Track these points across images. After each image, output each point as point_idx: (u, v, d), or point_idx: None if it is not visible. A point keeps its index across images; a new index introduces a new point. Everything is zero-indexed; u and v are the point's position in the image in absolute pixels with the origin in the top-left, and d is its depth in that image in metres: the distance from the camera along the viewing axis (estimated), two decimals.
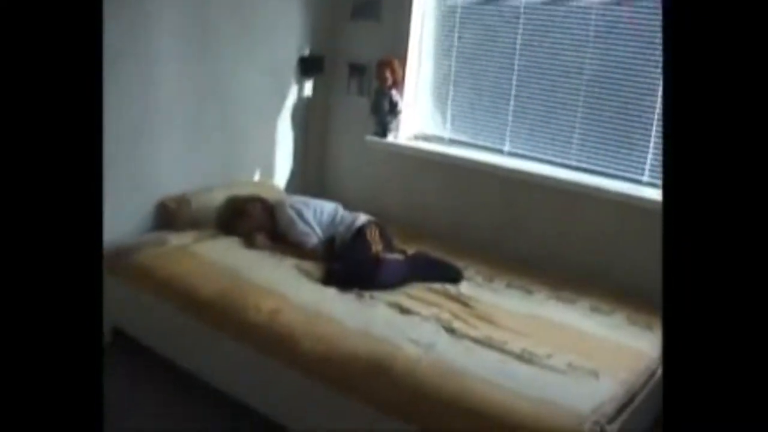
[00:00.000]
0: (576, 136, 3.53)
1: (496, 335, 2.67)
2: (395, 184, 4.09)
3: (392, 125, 4.01)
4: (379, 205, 3.93)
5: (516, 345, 2.59)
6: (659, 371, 2.65)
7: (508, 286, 3.23)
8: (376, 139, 4.05)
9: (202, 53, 3.61)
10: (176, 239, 3.36)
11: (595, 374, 2.44)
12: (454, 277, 3.22)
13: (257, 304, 2.79)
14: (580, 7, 3.41)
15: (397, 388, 2.34)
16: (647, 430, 2.67)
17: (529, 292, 3.17)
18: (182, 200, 3.59)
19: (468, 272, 3.30)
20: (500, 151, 3.80)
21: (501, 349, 2.56)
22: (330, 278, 3.08)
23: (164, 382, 3.08)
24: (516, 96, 3.71)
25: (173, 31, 3.43)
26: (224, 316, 2.79)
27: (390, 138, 4.03)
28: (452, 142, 3.98)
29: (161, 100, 3.47)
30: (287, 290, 2.92)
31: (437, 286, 3.12)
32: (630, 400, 2.43)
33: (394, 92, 3.92)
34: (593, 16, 3.38)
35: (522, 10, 3.60)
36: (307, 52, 4.12)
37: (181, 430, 2.78)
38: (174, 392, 3.01)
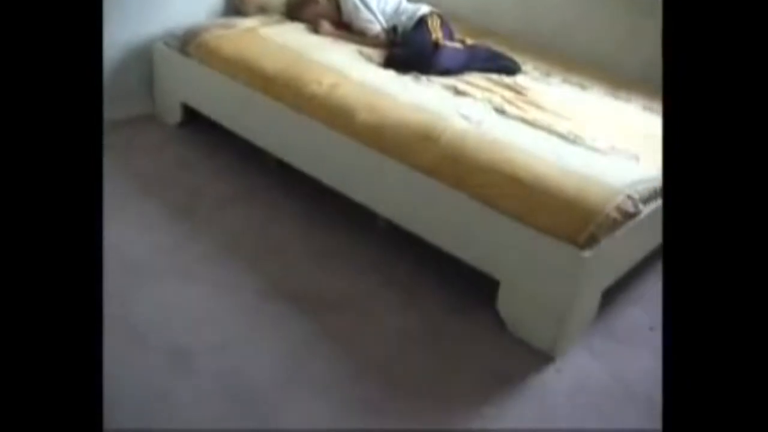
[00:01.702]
0: None
1: (545, 118, 2.77)
2: None
3: None
4: (444, 1, 3.94)
5: (563, 127, 2.69)
6: None
7: (564, 81, 3.29)
8: None
9: None
10: (244, 23, 3.50)
11: (636, 158, 2.54)
12: (512, 68, 3.29)
13: (318, 78, 2.94)
14: None
15: (445, 155, 2.50)
16: None
17: (584, 87, 3.23)
18: None
19: (526, 67, 3.36)
20: None
21: (548, 129, 2.67)
22: (390, 61, 3.18)
23: (231, 153, 3.36)
24: None
25: None
26: (287, 89, 2.96)
27: None
28: None
29: None
30: (348, 69, 3.05)
31: (494, 75, 3.21)
32: None
33: None
34: None
35: None
36: None
37: (248, 195, 3.07)
38: (242, 161, 3.29)
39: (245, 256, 2.68)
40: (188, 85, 3.43)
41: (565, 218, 2.21)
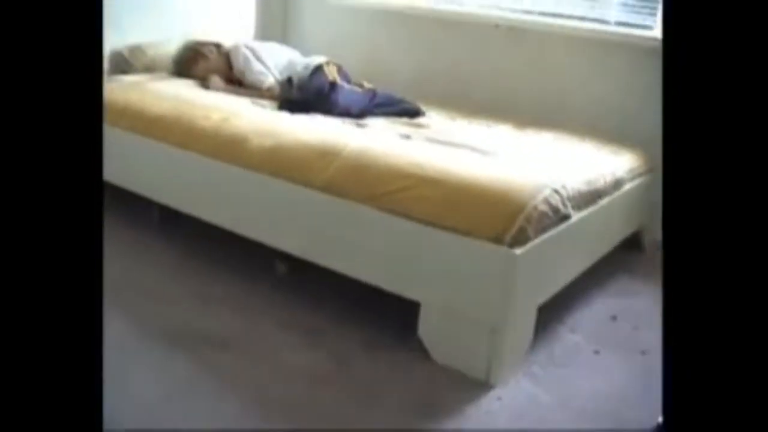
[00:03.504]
0: None
1: (453, 140, 2.56)
2: (356, 40, 3.95)
3: None
4: (340, 59, 3.79)
5: (474, 144, 2.49)
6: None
7: (470, 122, 3.11)
8: None
9: None
10: (130, 78, 3.22)
11: (558, 168, 2.34)
12: (415, 111, 3.11)
13: (207, 114, 2.67)
14: None
15: (347, 167, 2.22)
16: None
17: (490, 126, 3.06)
18: (136, 48, 3.44)
19: (429, 112, 3.18)
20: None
21: (458, 145, 2.46)
22: (285, 104, 2.95)
23: (114, 211, 2.95)
24: None
25: None
26: (173, 127, 2.67)
27: None
28: None
29: None
30: (238, 108, 2.79)
31: (397, 118, 3.01)
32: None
33: None
34: None
35: None
36: None
37: (128, 249, 2.67)
38: (124, 217, 2.90)
39: (118, 301, 2.24)
40: None
41: (489, 214, 1.94)
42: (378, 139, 2.44)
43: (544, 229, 2.00)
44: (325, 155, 2.28)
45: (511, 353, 2.01)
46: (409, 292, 2.10)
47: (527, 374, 2.06)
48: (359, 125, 2.73)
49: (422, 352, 2.08)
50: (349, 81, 3.19)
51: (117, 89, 3.01)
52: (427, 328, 2.07)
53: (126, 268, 2.49)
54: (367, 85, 3.18)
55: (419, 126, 2.86)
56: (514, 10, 3.50)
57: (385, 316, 2.27)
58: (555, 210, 2.02)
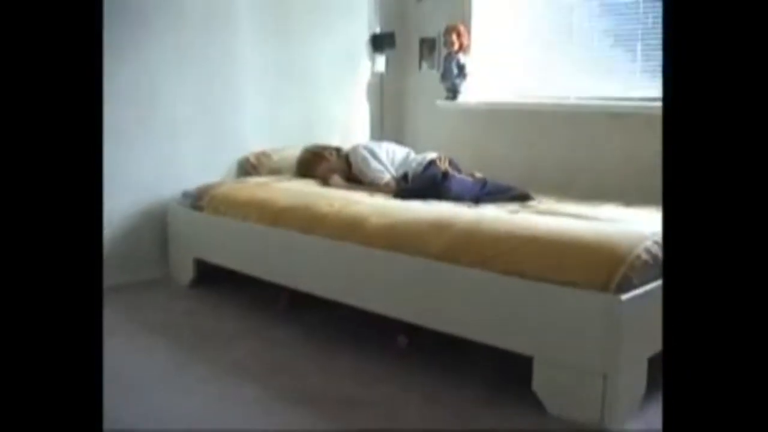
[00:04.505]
0: (638, 67, 3.61)
1: (559, 211, 2.72)
2: (466, 140, 4.22)
3: (461, 87, 4.18)
4: (452, 153, 4.05)
5: (576, 214, 2.64)
6: None
7: (577, 203, 3.24)
8: (447, 102, 4.22)
9: (280, 32, 3.99)
10: (256, 179, 3.60)
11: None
12: (525, 196, 3.27)
13: (329, 203, 2.96)
14: None
15: (459, 236, 2.41)
16: None
17: (596, 206, 3.17)
18: (263, 154, 3.85)
19: (538, 197, 3.35)
20: (566, 97, 3.90)
21: (564, 214, 2.62)
22: (401, 193, 3.19)
23: (242, 299, 3.26)
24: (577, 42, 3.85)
25: (252, 12, 3.83)
26: (298, 216, 2.95)
27: (460, 99, 4.19)
28: (519, 97, 4.11)
29: (242, 74, 3.83)
30: (358, 197, 3.07)
31: (508, 204, 3.18)
32: None
33: (461, 56, 4.12)
34: None
35: None
36: (378, 29, 4.40)
37: (256, 330, 2.92)
38: (252, 304, 3.18)
39: (248, 374, 2.47)
40: (200, 239, 3.41)
41: (594, 264, 2.06)
42: (488, 213, 2.63)
43: (648, 279, 2.08)
44: (440, 226, 2.48)
45: (624, 401, 2.06)
46: (522, 348, 2.20)
47: (642, 420, 2.09)
48: (470, 207, 2.93)
49: (538, 405, 2.16)
50: (460, 171, 3.42)
51: (245, 188, 3.38)
52: (540, 381, 2.15)
53: (255, 347, 2.72)
54: (477, 174, 3.40)
55: (528, 207, 3.02)
56: (615, 98, 3.68)
57: (500, 372, 2.37)
58: (657, 260, 2.11)
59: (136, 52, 3.40)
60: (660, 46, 3.52)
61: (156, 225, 3.59)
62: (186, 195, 3.52)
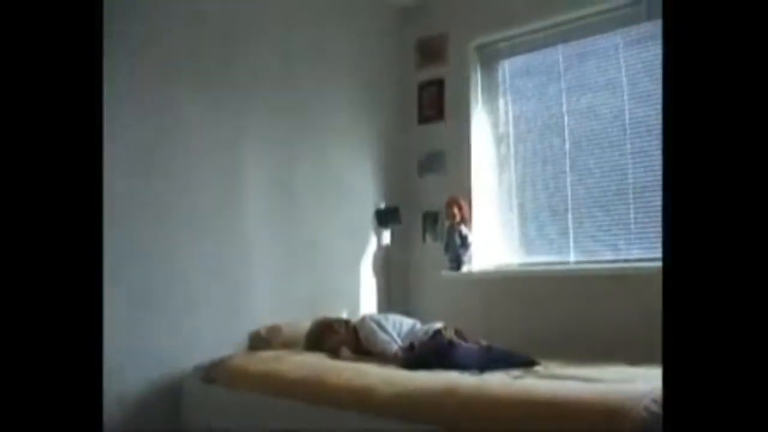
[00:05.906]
0: (632, 229, 3.78)
1: (561, 375, 2.76)
2: (471, 308, 4.31)
3: (465, 257, 4.34)
4: (457, 321, 4.13)
5: (579, 377, 2.68)
6: None
7: (582, 365, 3.28)
8: (451, 272, 4.36)
9: (287, 212, 4.22)
10: (267, 353, 3.67)
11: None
12: (531, 362, 3.31)
13: (338, 374, 3.02)
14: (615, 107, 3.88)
15: (463, 402, 2.45)
16: None
17: (602, 367, 3.21)
18: (274, 328, 3.95)
19: (543, 361, 3.39)
20: (566, 263, 4.04)
21: (567, 377, 2.66)
22: (406, 362, 3.25)
23: None
24: (573, 210, 4.05)
25: (261, 193, 4.09)
26: (307, 387, 3.00)
27: (464, 269, 4.33)
28: (521, 265, 4.26)
29: (252, 251, 4.03)
30: (366, 368, 3.13)
31: (514, 371, 3.23)
32: None
33: (463, 227, 4.32)
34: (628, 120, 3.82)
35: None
36: (382, 205, 4.64)
37: None
38: None
39: None
40: (213, 411, 3.43)
41: (596, 427, 2.08)
42: (492, 380, 2.68)
43: None
44: (442, 395, 2.52)
45: None
46: None
47: None
48: (475, 375, 2.97)
49: None
50: (466, 340, 3.49)
51: (258, 362, 3.45)
52: None
53: None
54: (483, 342, 3.46)
55: (533, 372, 3.06)
56: (617, 261, 3.82)
57: None
58: (655, 416, 2.13)
59: (155, 239, 3.60)
60: (650, 210, 3.71)
61: (168, 400, 3.60)
62: (198, 369, 3.57)
